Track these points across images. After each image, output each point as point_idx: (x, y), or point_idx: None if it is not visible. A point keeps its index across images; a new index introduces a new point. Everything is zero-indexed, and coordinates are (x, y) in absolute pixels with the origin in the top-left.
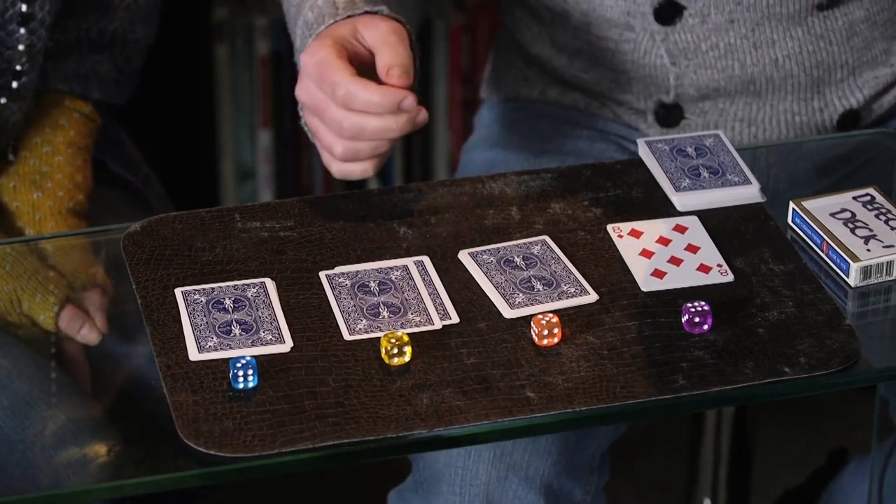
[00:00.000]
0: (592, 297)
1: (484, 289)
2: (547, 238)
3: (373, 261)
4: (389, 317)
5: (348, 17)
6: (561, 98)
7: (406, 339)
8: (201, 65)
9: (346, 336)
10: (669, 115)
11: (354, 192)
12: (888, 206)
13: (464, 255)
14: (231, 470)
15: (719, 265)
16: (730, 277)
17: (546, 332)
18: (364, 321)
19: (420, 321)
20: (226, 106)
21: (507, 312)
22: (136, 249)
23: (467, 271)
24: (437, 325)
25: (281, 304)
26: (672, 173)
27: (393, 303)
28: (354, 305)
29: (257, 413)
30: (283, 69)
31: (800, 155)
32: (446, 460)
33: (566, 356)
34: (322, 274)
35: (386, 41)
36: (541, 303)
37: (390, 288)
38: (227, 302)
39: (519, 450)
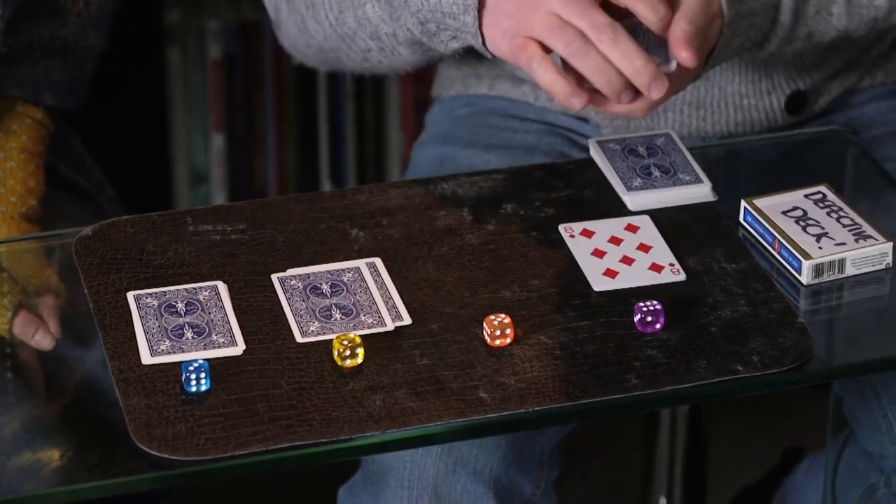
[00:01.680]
0: (389, 326)
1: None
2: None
3: (325, 263)
4: (342, 318)
5: None
6: (510, 91)
7: (358, 340)
8: (154, 68)
9: (299, 338)
10: None
11: (306, 195)
12: (840, 203)
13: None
14: (184, 473)
15: (671, 264)
16: (682, 276)
17: (498, 332)
18: (316, 323)
19: (372, 323)
20: (178, 109)
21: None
22: (88, 254)
23: (420, 272)
24: (390, 326)
25: (233, 306)
26: (623, 173)
27: (345, 305)
28: (307, 308)
29: (210, 416)
30: (236, 72)
31: (751, 153)
32: (394, 455)
33: (518, 356)
34: (274, 276)
35: None
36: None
37: (342, 290)
38: (180, 305)
39: (467, 444)
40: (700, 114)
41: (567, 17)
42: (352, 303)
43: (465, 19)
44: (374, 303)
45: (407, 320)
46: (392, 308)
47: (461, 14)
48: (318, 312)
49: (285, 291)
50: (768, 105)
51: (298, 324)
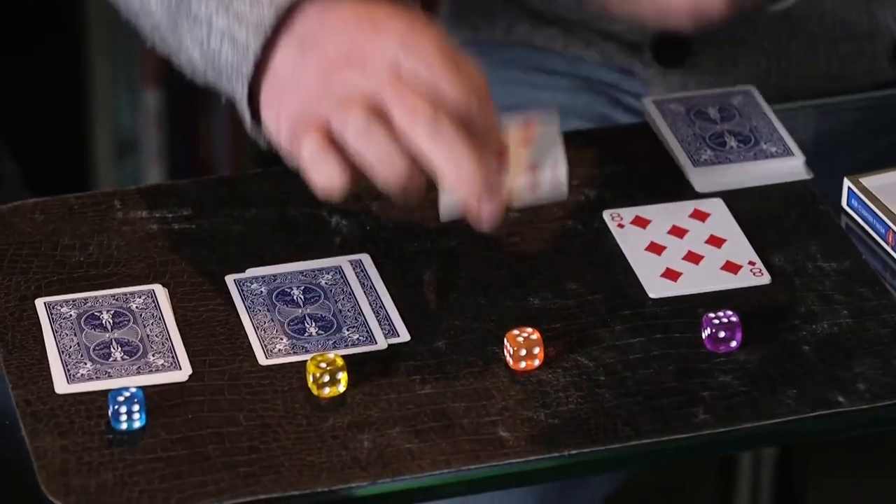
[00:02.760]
0: (381, 345)
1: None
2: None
3: (296, 261)
4: (318, 334)
5: None
6: (532, 36)
7: (340, 363)
8: (67, 8)
9: (262, 360)
10: (672, 51)
11: (271, 170)
12: None
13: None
14: None
15: (751, 263)
16: (765, 279)
17: (524, 352)
18: (285, 340)
19: (358, 339)
20: (99, 59)
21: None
22: None
23: (421, 273)
24: (382, 344)
25: (176, 318)
26: (689, 143)
27: (323, 316)
28: (272, 320)
29: (146, 461)
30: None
31: (854, 117)
32: None
33: (550, 384)
34: (229, 279)
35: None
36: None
37: (319, 296)
38: (105, 316)
39: (484, 499)
40: (781, 66)
41: (373, 93)
42: (331, 313)
43: (236, 87)
44: (361, 313)
45: (404, 336)
46: (384, 320)
47: (234, 78)
48: (288, 326)
49: (245, 298)
50: (869, 54)
51: (262, 341)
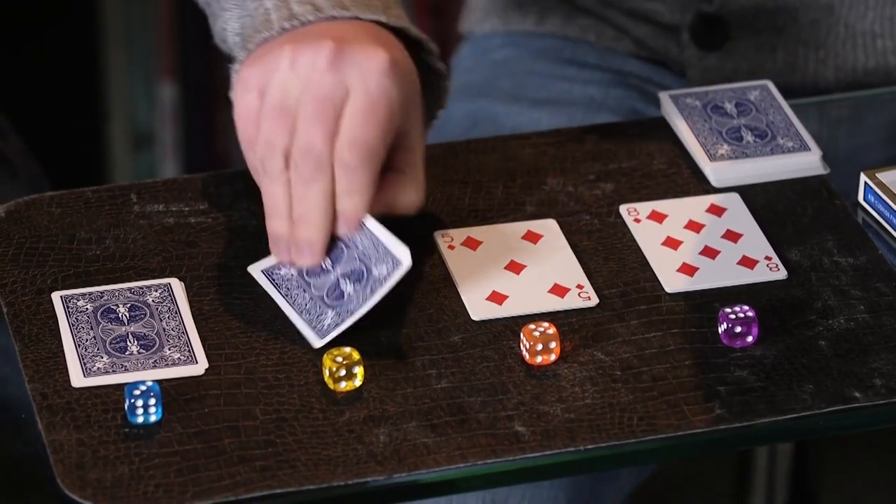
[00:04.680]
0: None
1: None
2: None
3: None
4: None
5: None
6: (565, 28)
7: (356, 357)
8: (83, 1)
9: (278, 353)
10: (711, 33)
11: None
12: None
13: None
14: None
15: (768, 258)
16: (782, 274)
17: (540, 346)
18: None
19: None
20: (116, 52)
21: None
22: (1, 241)
23: (438, 266)
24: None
25: (192, 312)
26: (706, 137)
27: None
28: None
29: (162, 455)
30: (190, 3)
31: (874, 110)
32: None
33: (566, 378)
34: (254, 268)
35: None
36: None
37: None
38: (122, 310)
39: (515, 496)
40: (819, 55)
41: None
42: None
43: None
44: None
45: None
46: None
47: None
48: (312, 310)
49: (278, 287)
50: None
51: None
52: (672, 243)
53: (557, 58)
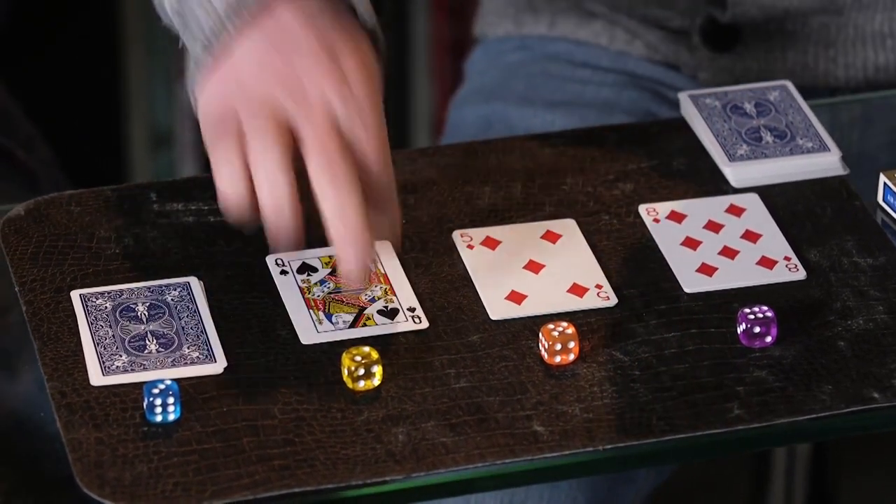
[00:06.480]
0: (422, 323)
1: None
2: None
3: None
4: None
5: None
6: (577, 31)
7: (375, 356)
8: (103, 1)
9: (297, 350)
10: (722, 37)
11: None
12: None
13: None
14: None
15: (787, 258)
16: (801, 274)
17: (559, 346)
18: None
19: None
20: (135, 52)
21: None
22: (20, 240)
23: (457, 266)
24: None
25: (211, 311)
26: (725, 137)
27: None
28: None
29: (180, 454)
30: None
31: (888, 111)
32: None
33: (585, 378)
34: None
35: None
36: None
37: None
38: (141, 308)
39: (534, 497)
40: (829, 54)
41: (293, 119)
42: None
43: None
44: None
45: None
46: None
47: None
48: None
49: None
50: None
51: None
52: (691, 243)
53: (570, 60)
